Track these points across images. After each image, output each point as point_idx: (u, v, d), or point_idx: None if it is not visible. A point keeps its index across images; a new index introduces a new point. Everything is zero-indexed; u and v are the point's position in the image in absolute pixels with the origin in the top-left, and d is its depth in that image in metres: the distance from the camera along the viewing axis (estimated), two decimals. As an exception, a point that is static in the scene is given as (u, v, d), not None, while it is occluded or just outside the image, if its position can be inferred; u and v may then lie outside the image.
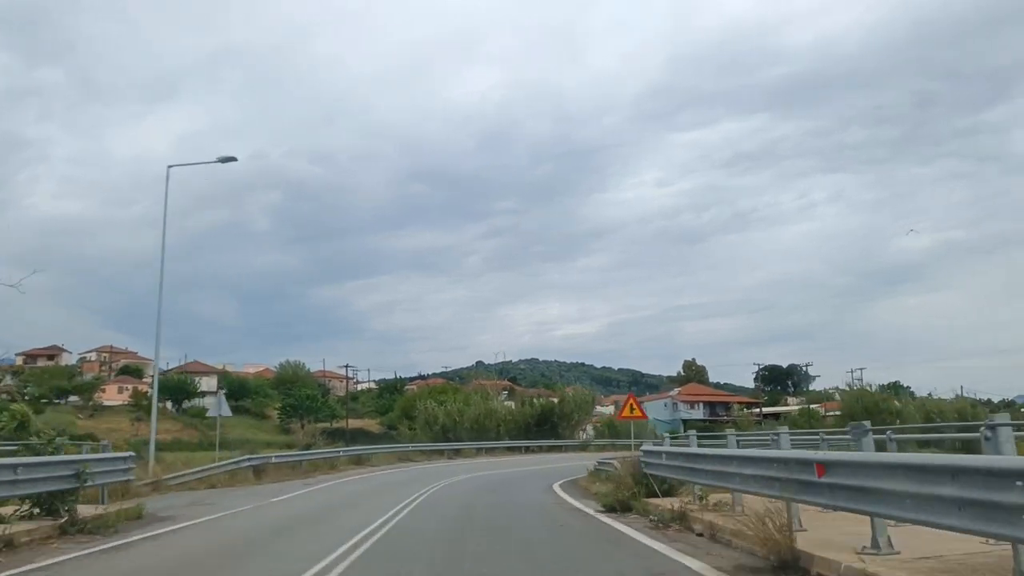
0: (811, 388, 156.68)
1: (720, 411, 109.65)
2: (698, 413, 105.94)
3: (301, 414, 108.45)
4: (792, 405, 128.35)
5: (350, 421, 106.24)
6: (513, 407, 60.13)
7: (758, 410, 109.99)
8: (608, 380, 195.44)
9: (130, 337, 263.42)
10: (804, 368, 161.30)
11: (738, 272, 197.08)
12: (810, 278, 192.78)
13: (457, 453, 50.22)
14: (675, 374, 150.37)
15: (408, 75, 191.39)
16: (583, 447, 59.25)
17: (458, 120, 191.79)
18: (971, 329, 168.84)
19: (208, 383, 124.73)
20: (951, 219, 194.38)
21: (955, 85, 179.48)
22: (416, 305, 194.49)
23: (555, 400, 59.47)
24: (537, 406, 59.18)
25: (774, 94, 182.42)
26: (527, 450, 55.69)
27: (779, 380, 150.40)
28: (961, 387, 67.26)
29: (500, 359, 62.34)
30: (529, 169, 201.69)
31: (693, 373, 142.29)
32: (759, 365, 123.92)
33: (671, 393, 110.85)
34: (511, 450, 54.81)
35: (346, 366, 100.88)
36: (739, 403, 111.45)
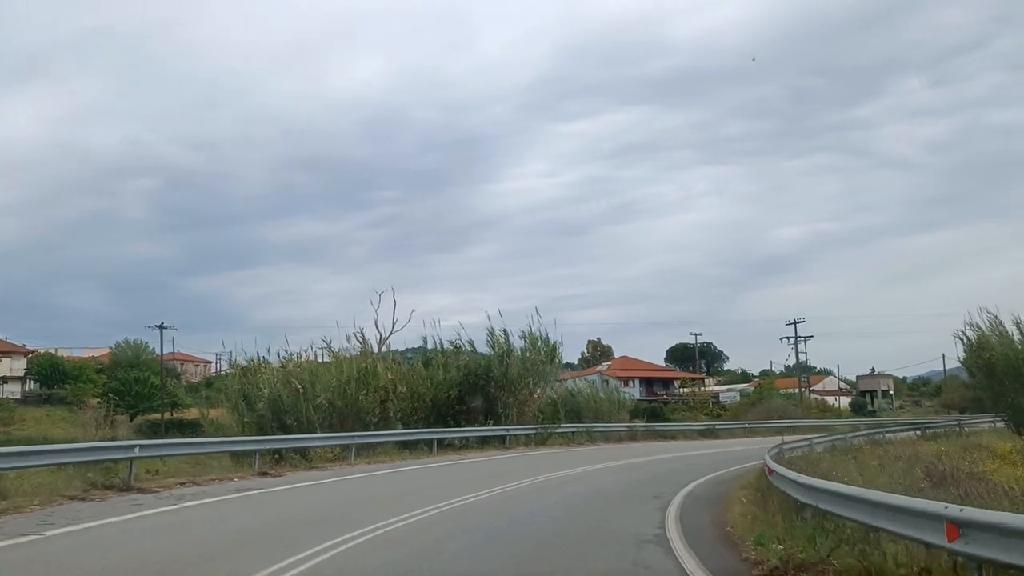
0: (726, 368, 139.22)
1: (658, 389, 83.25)
2: (633, 391, 78.85)
3: (130, 402, 74.93)
4: (714, 386, 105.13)
5: (199, 411, 74.09)
6: (418, 369, 30.06)
7: (698, 388, 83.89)
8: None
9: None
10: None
11: (622, 262, 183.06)
12: (691, 268, 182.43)
13: (295, 459, 20.32)
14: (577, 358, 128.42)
15: (291, 60, 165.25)
16: (542, 437, 29.98)
17: (342, 107, 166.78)
18: (839, 317, 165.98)
19: (12, 366, 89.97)
20: (823, 211, 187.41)
21: (829, 81, 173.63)
22: (299, 296, 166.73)
23: (493, 353, 29.91)
24: (461, 367, 29.55)
25: (658, 86, 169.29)
26: (442, 446, 26.29)
27: (691, 359, 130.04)
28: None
29: (387, 344, 31.40)
30: (415, 158, 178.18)
31: (598, 354, 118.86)
32: (697, 335, 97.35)
33: (600, 368, 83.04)
34: (408, 447, 25.39)
35: (160, 325, 68.23)
36: (682, 379, 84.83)
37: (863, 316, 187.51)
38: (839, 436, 25.61)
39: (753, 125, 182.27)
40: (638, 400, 75.51)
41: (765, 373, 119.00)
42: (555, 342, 31.59)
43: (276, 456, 22.19)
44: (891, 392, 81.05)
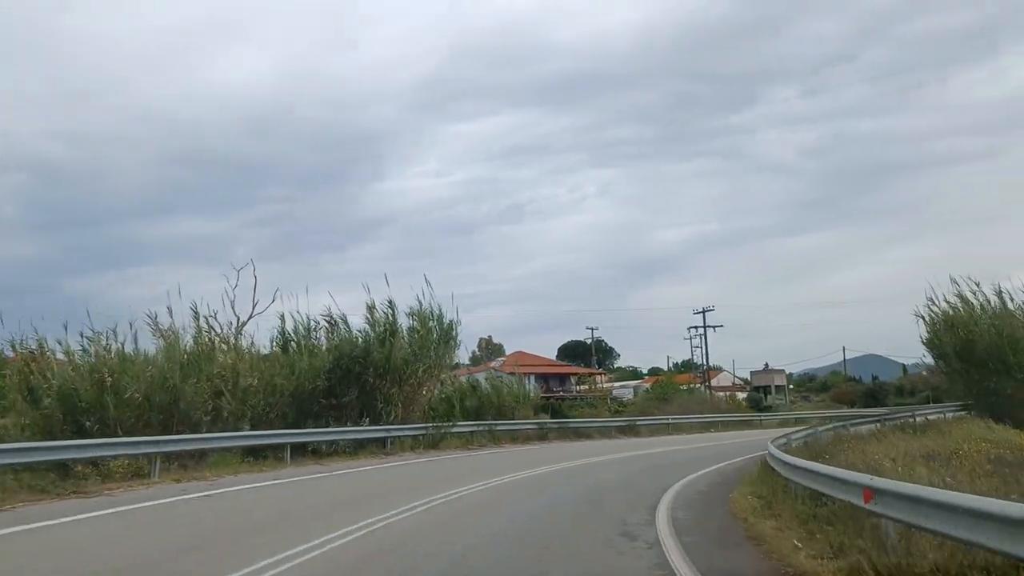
0: (617, 365, 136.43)
1: (554, 385, 77.78)
2: (528, 388, 72.90)
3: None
4: (606, 383, 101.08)
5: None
6: (275, 355, 22.95)
7: (593, 384, 79.04)
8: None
9: None
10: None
11: (513, 262, 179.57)
12: (581, 268, 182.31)
13: (87, 475, 13.29)
14: (468, 357, 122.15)
15: (173, 54, 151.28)
16: (434, 439, 23.37)
17: (226, 103, 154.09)
18: (723, 312, 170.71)
19: None
20: (704, 213, 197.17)
21: (711, 88, 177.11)
22: (185, 297, 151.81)
23: (373, 334, 23.10)
24: (332, 350, 22.67)
25: (549, 89, 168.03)
26: (304, 453, 19.56)
27: (583, 356, 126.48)
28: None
29: (243, 330, 23.88)
30: (303, 155, 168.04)
31: (490, 351, 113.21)
32: (593, 328, 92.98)
33: (493, 364, 76.81)
34: (256, 455, 18.50)
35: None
36: (580, 375, 79.87)
37: (738, 306, 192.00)
38: (810, 431, 20.33)
39: (639, 129, 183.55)
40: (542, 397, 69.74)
41: (655, 370, 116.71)
42: (451, 320, 25.14)
43: (61, 472, 14.94)
44: (789, 387, 78.64)
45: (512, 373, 68.10)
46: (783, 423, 33.92)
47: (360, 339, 22.85)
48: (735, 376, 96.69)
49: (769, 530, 8.33)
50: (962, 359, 22.68)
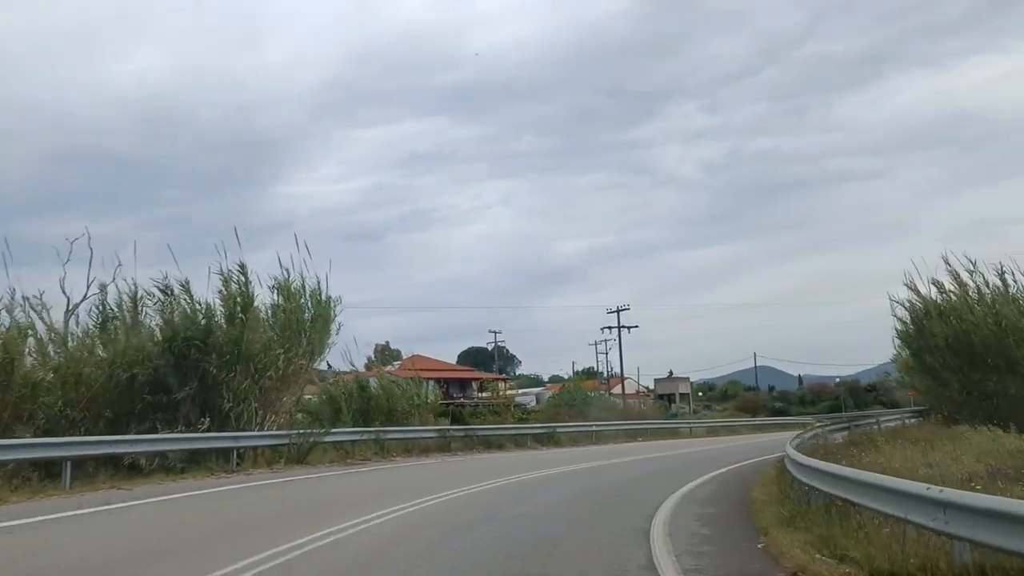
0: (519, 372, 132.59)
1: (455, 391, 72.24)
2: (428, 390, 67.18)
3: None
4: (508, 390, 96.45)
5: None
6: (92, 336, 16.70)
7: (495, 391, 74.11)
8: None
9: None
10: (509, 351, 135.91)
11: (414, 271, 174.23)
12: (482, 277, 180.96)
13: None
14: (364, 362, 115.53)
15: (62, 48, 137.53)
16: (301, 451, 17.56)
17: (120, 100, 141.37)
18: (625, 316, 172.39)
19: None
20: (604, 226, 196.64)
21: (613, 102, 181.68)
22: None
23: (224, 309, 17.07)
24: (164, 328, 16.60)
25: (451, 98, 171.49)
26: (121, 469, 13.63)
27: (484, 362, 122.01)
28: None
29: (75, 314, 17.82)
30: (199, 157, 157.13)
31: (387, 358, 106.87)
32: (496, 332, 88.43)
33: (388, 368, 70.58)
34: (48, 471, 12.44)
35: None
36: (483, 380, 74.53)
37: (639, 315, 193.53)
38: (798, 437, 15.90)
39: (541, 141, 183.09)
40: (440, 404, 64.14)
41: (556, 378, 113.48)
42: (330, 297, 19.42)
43: None
44: (698, 395, 75.99)
45: (410, 378, 61.86)
46: (711, 431, 29.94)
47: (201, 315, 16.88)
48: (639, 384, 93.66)
49: None
50: (956, 354, 18.72)
